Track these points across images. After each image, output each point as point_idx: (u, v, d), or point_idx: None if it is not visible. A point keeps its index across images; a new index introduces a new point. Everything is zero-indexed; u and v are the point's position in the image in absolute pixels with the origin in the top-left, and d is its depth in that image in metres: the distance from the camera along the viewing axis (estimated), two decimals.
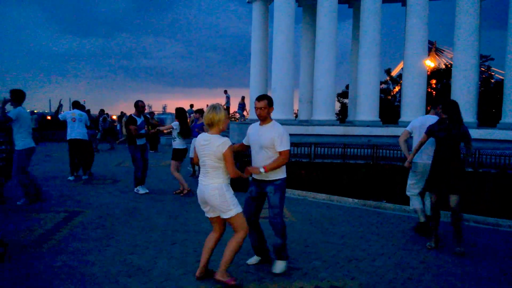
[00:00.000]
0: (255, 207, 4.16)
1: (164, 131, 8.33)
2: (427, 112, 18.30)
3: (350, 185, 9.31)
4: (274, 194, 3.99)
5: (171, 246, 4.78)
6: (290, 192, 8.31)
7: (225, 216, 3.63)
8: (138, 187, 7.94)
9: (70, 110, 9.89)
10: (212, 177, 3.62)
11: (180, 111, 8.15)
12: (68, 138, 9.37)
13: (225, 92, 22.62)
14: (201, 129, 10.31)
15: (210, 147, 3.58)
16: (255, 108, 4.04)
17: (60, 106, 8.65)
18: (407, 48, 17.90)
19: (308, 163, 13.11)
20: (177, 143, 8.04)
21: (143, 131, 7.83)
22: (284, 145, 3.92)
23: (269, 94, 20.18)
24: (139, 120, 7.82)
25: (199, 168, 10.27)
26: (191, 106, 22.23)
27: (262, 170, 3.85)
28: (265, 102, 3.97)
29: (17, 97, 6.68)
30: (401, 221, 6.25)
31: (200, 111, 10.77)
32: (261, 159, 3.98)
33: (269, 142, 3.93)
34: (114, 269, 4.03)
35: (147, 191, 7.91)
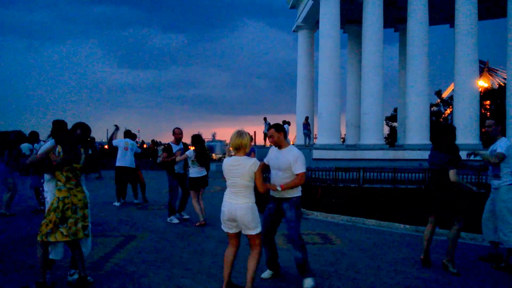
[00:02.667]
0: (272, 223, 4.54)
1: (180, 159, 7.75)
2: (481, 134, 17.57)
3: (401, 210, 9.06)
4: (290, 209, 4.35)
5: (221, 270, 4.89)
6: (339, 218, 8.24)
7: (251, 232, 3.93)
8: (171, 217, 7.88)
9: (123, 138, 10.43)
10: (244, 196, 3.92)
11: (195, 138, 7.74)
12: (117, 164, 9.84)
13: (265, 119, 22.91)
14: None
15: (242, 168, 3.90)
16: (267, 137, 4.55)
17: (117, 129, 9.16)
18: (458, 69, 17.41)
19: (356, 188, 12.90)
20: (192, 172, 7.67)
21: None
22: (300, 168, 4.28)
23: (315, 119, 20.30)
24: (176, 148, 7.89)
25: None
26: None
27: (279, 188, 4.25)
28: (272, 130, 4.43)
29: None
30: (457, 248, 5.99)
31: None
32: (279, 180, 4.37)
33: (286, 165, 4.32)
34: None
35: (178, 221, 7.82)
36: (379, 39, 17.40)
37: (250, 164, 3.90)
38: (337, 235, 6.74)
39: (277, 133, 4.41)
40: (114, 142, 9.83)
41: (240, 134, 4.00)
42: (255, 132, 26.78)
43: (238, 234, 4.09)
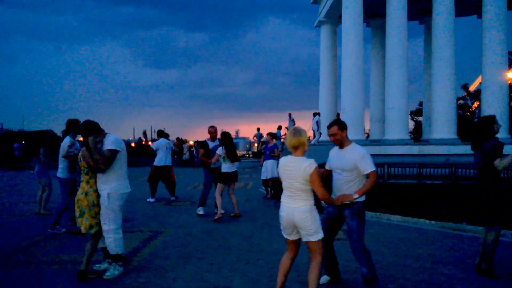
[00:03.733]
0: (331, 229, 4.18)
1: (214, 161, 7.89)
2: (510, 128, 17.03)
3: (427, 205, 8.93)
4: (351, 218, 3.97)
5: (245, 265, 4.97)
6: None
7: (312, 239, 3.60)
8: (199, 208, 8.29)
9: (157, 138, 10.78)
10: (301, 200, 3.59)
11: (224, 135, 7.95)
12: (160, 164, 10.20)
13: (289, 115, 22.83)
14: (272, 151, 10.57)
15: (297, 170, 3.57)
16: (328, 135, 4.10)
17: (145, 135, 9.48)
18: (485, 61, 16.91)
19: (381, 183, 12.77)
20: (225, 167, 7.86)
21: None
22: (369, 166, 3.88)
23: (339, 114, 20.08)
24: (212, 144, 8.23)
25: (271, 189, 10.53)
26: (258, 129, 22.74)
27: (356, 196, 3.82)
28: (336, 127, 4.00)
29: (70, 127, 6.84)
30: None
31: (272, 135, 11.04)
32: (343, 182, 3.99)
33: (350, 165, 3.92)
34: (193, 285, 4.29)
35: (203, 213, 8.22)
36: (403, 32, 17.07)
37: (305, 166, 3.54)
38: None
39: (341, 131, 4.01)
40: (154, 146, 10.30)
41: (297, 131, 3.66)
42: (280, 126, 26.67)
43: (298, 241, 3.78)
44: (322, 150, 15.25)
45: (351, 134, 17.97)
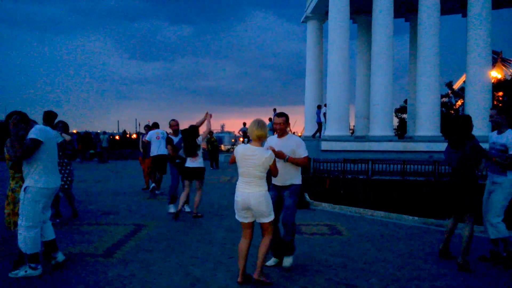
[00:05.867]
0: (275, 211, 4.49)
1: (169, 151, 7.84)
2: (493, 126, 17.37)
3: (410, 202, 9.06)
4: (289, 196, 4.58)
5: (229, 259, 4.96)
6: (347, 209, 8.26)
7: (265, 220, 4.03)
8: (170, 205, 7.76)
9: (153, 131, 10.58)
10: (257, 185, 3.98)
11: (187, 129, 7.53)
12: (153, 154, 10.05)
13: (274, 110, 22.85)
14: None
15: (257, 160, 3.94)
16: (274, 123, 4.72)
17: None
18: (469, 60, 17.18)
19: (365, 180, 12.89)
20: (187, 162, 7.38)
21: (181, 151, 7.68)
22: (304, 151, 4.58)
23: (320, 106, 20.08)
24: (175, 139, 7.93)
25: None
26: (244, 124, 22.76)
27: (286, 157, 4.43)
28: (283, 119, 4.65)
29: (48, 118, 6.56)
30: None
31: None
32: (282, 167, 4.46)
33: (289, 152, 4.50)
34: (176, 279, 4.26)
35: (174, 211, 7.45)
36: (389, 29, 17.21)
37: (265, 157, 3.94)
38: (345, 227, 6.76)
39: (287, 123, 4.70)
40: (148, 137, 10.16)
41: (263, 124, 4.07)
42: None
43: (252, 224, 4.15)
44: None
45: (336, 130, 18.14)
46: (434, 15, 17.14)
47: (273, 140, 4.70)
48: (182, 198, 7.31)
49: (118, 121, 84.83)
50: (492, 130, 5.25)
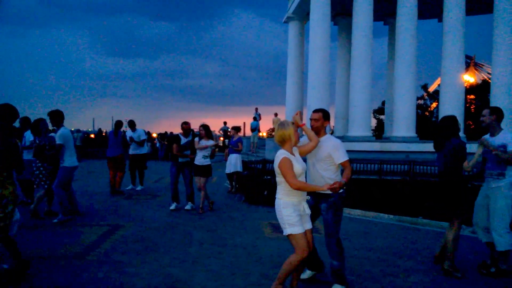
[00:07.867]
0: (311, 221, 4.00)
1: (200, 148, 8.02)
2: (465, 128, 17.78)
3: (387, 201, 9.21)
4: (327, 212, 3.95)
5: (208, 259, 4.93)
6: None
7: (284, 232, 3.58)
8: (173, 204, 8.14)
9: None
10: (278, 192, 3.62)
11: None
12: (131, 152, 10.52)
13: (256, 109, 22.89)
14: (236, 145, 10.55)
15: (275, 164, 3.58)
16: (310, 119, 4.11)
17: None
18: (444, 63, 17.58)
19: None
20: (195, 159, 8.07)
21: (187, 152, 8.05)
22: (344, 155, 3.93)
23: (304, 110, 20.29)
24: (184, 140, 8.11)
25: (235, 183, 10.51)
26: (225, 123, 22.65)
27: (343, 181, 3.70)
28: (320, 114, 4.02)
29: (59, 118, 6.82)
30: (439, 237, 6.11)
31: (236, 128, 11.00)
32: (317, 171, 3.98)
33: (325, 155, 3.93)
34: (154, 280, 4.20)
35: (174, 208, 8.02)
36: (368, 31, 17.45)
37: (277, 160, 3.55)
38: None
39: (325, 120, 4.05)
40: (135, 136, 10.51)
41: (282, 124, 3.63)
42: (244, 123, 26.69)
43: (304, 234, 3.60)
44: None
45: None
46: (412, 19, 17.46)
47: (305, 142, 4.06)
48: (202, 194, 7.95)
49: (93, 119, 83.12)
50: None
